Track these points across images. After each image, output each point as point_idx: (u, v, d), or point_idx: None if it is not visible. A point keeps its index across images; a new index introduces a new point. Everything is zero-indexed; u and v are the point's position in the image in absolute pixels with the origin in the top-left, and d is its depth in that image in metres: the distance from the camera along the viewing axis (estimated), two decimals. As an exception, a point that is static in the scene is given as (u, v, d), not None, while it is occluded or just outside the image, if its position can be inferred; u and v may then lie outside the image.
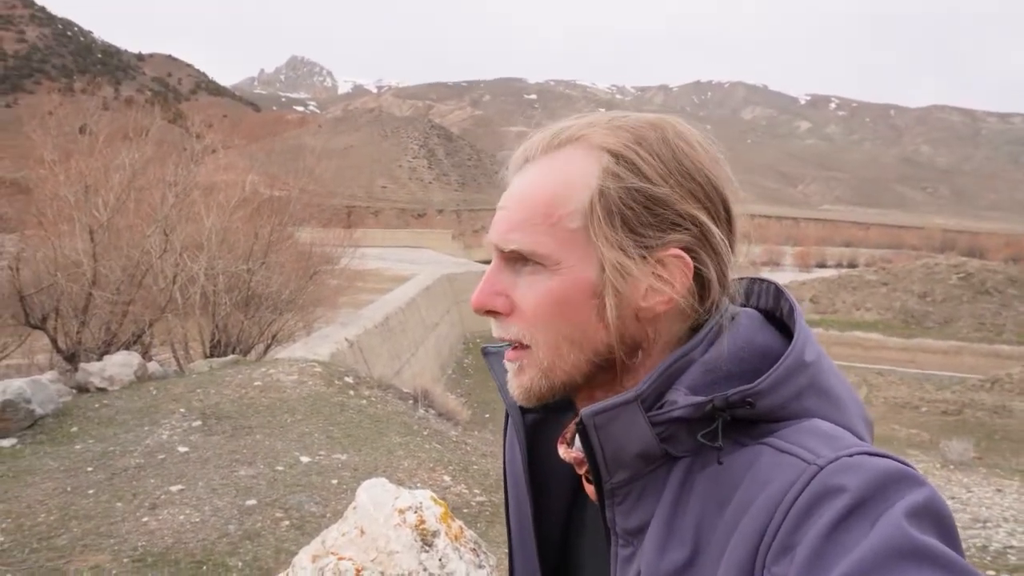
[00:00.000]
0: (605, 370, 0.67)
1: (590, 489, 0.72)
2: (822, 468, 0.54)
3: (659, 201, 0.63)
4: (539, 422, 0.80)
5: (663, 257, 0.63)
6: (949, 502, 9.01)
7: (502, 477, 0.88)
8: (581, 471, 0.71)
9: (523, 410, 0.79)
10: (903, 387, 26.68)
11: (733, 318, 0.65)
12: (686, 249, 0.63)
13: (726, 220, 0.66)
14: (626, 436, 0.62)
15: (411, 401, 7.81)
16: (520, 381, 0.69)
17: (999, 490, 9.16)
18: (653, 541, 0.62)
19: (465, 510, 4.67)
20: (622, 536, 0.65)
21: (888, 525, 0.49)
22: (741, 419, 0.60)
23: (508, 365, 0.70)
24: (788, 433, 0.59)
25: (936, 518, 0.51)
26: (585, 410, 0.62)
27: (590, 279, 0.64)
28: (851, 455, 0.54)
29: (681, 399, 0.61)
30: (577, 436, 0.71)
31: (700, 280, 0.64)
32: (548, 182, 0.66)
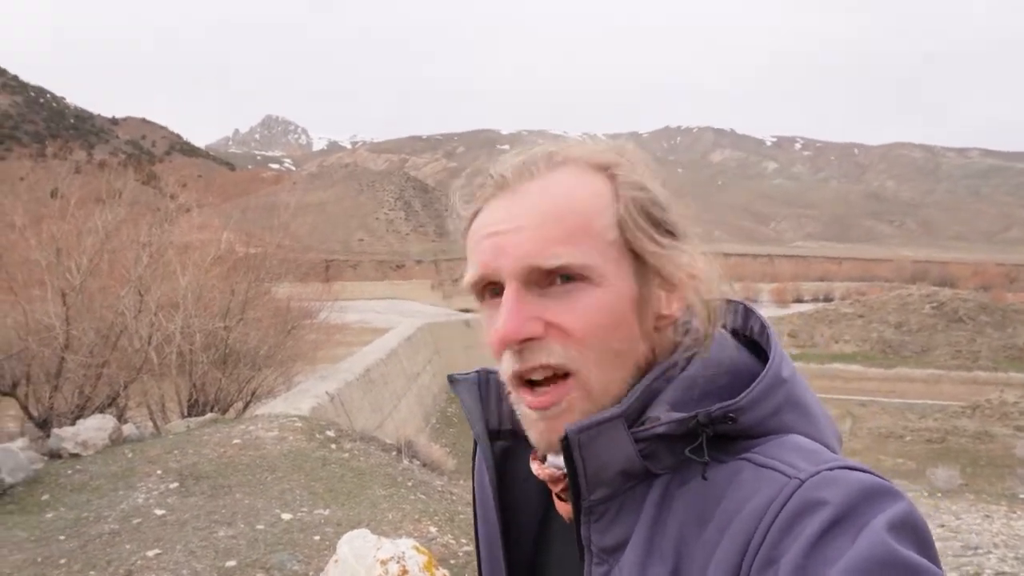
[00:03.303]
0: (631, 386, 0.65)
1: (563, 508, 0.71)
2: (803, 482, 0.55)
3: (671, 213, 0.66)
4: (507, 450, 0.80)
5: (685, 258, 0.65)
6: (939, 530, 8.98)
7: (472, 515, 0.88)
8: (556, 488, 0.70)
9: (491, 437, 0.79)
10: (886, 417, 26.80)
11: (706, 336, 0.66)
12: None
13: None
14: (609, 453, 0.62)
15: (395, 452, 7.68)
16: (566, 418, 0.63)
17: (987, 516, 9.17)
18: (633, 559, 0.61)
19: (452, 561, 4.56)
20: (597, 554, 0.65)
21: (871, 538, 0.49)
22: (720, 435, 0.61)
23: (539, 415, 0.65)
24: (767, 448, 0.60)
25: (914, 531, 0.52)
26: (570, 427, 0.61)
27: (632, 289, 0.64)
28: (831, 469, 0.55)
29: (664, 415, 0.61)
30: (550, 453, 0.70)
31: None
32: (573, 196, 0.65)
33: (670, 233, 0.66)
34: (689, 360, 0.65)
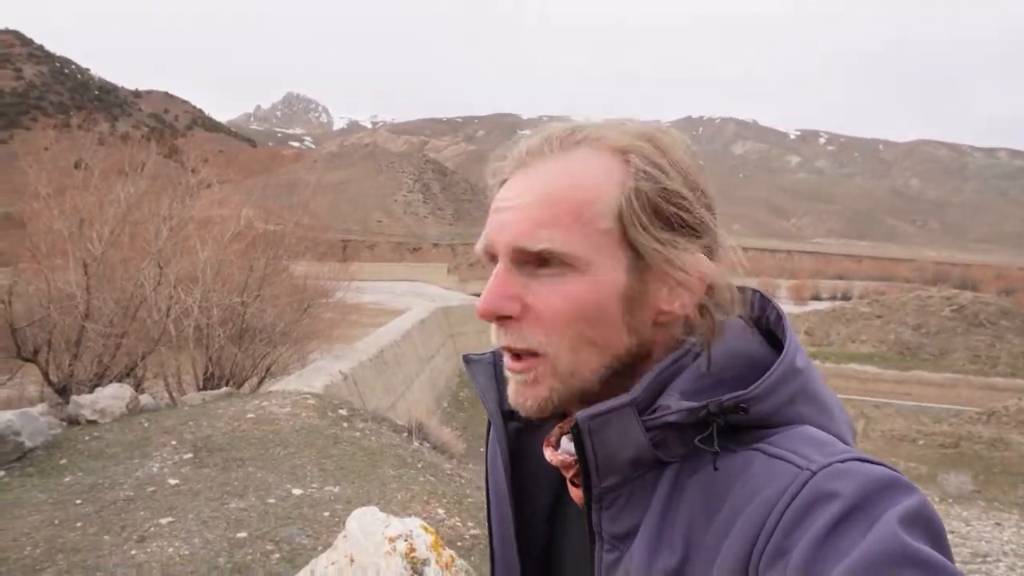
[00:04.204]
0: (620, 376, 0.66)
1: (576, 493, 0.71)
2: (815, 473, 0.54)
3: (685, 205, 0.64)
4: (521, 430, 0.79)
5: (694, 260, 0.63)
6: (948, 537, 8.86)
7: (485, 495, 0.88)
8: (568, 474, 0.70)
9: (505, 418, 0.78)
10: (900, 420, 26.57)
11: (721, 325, 0.65)
12: (706, 255, 0.64)
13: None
14: (619, 441, 0.62)
15: (405, 434, 7.74)
16: (536, 392, 0.66)
17: (998, 524, 9.07)
18: (643, 547, 0.61)
19: (459, 543, 4.61)
20: (608, 541, 0.65)
21: (883, 531, 0.49)
22: (732, 425, 0.60)
23: (513, 377, 0.67)
24: (779, 439, 0.59)
25: (927, 525, 0.51)
26: (581, 413, 0.62)
27: (619, 281, 0.63)
28: (843, 461, 0.55)
29: (675, 404, 0.61)
30: (564, 439, 0.71)
31: (712, 286, 0.64)
32: (574, 180, 0.64)
33: (682, 229, 0.63)
34: (701, 350, 0.64)
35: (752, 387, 0.60)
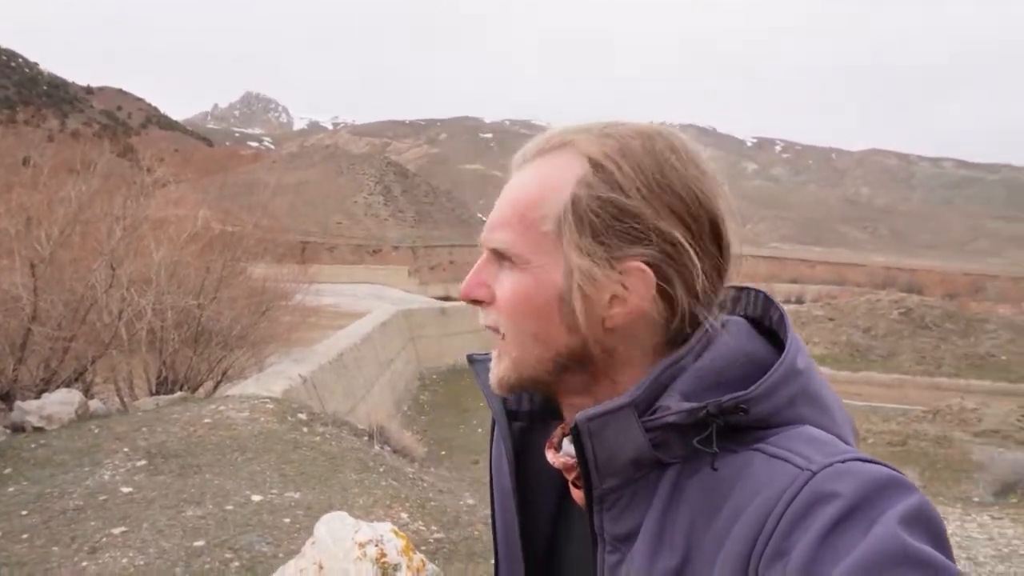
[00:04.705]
0: (573, 372, 0.67)
1: (578, 495, 0.71)
2: (815, 474, 0.54)
3: (628, 213, 0.62)
4: (525, 430, 0.80)
5: (626, 269, 0.63)
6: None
7: (488, 495, 0.88)
8: (570, 476, 0.71)
9: (509, 418, 0.79)
10: (851, 419, 27.28)
11: (723, 326, 0.66)
12: (651, 263, 0.62)
13: (711, 235, 0.65)
14: (619, 442, 0.62)
15: (366, 438, 7.66)
16: (496, 370, 0.71)
17: (944, 518, 9.41)
18: (643, 548, 0.62)
19: (423, 547, 4.57)
20: (610, 542, 0.65)
21: (883, 531, 0.49)
22: (732, 426, 0.60)
23: (493, 354, 0.73)
24: (779, 439, 0.59)
25: (928, 524, 0.51)
26: (580, 415, 0.62)
27: (556, 282, 0.65)
28: (843, 461, 0.55)
29: (674, 405, 0.61)
30: (565, 441, 0.72)
31: (666, 295, 0.63)
32: (531, 185, 0.67)
33: (624, 239, 0.63)
34: (702, 351, 0.64)
35: (752, 388, 0.60)
